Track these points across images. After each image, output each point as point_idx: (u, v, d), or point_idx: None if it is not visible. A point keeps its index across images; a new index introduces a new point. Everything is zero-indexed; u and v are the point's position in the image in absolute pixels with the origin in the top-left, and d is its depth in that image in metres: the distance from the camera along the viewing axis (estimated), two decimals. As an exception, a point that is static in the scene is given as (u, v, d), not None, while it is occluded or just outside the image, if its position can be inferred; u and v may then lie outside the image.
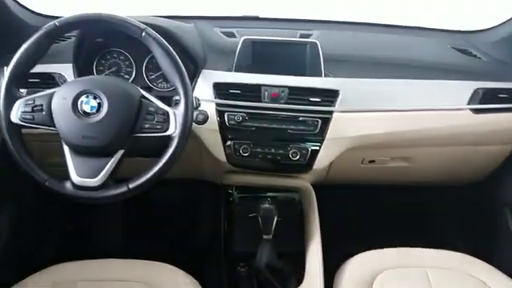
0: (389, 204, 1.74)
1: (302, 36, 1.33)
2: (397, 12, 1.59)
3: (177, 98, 0.95)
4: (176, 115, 0.90)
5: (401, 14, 1.58)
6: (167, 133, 0.89)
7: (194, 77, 1.15)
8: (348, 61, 1.26)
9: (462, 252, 1.11)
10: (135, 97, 0.91)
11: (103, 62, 1.22)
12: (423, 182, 1.48)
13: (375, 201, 1.73)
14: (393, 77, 1.19)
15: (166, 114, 0.89)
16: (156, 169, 0.89)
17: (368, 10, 1.61)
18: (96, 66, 1.21)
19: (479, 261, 1.09)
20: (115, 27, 0.93)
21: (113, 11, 0.95)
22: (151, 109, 0.90)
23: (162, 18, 1.19)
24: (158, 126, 0.89)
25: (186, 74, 0.92)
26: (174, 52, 0.92)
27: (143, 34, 0.91)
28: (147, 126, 0.89)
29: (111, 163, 0.88)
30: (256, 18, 1.51)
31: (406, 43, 1.41)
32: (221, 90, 1.13)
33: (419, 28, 1.52)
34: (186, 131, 0.90)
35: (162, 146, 0.91)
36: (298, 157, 1.12)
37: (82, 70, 1.16)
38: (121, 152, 0.89)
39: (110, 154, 0.88)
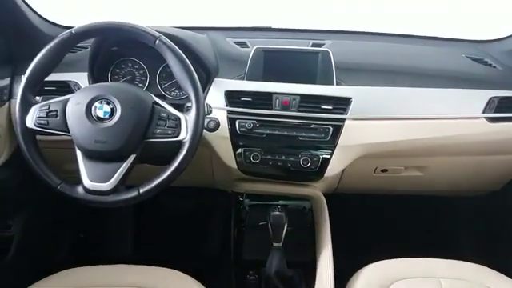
0: (401, 213, 1.71)
1: (314, 45, 1.33)
2: (410, 22, 1.59)
3: (189, 104, 0.96)
4: (187, 121, 0.90)
5: (414, 24, 1.57)
6: (178, 138, 0.90)
7: (206, 85, 1.17)
8: (360, 70, 1.25)
9: (477, 262, 1.08)
10: (148, 103, 0.92)
11: (118, 70, 1.24)
12: (437, 192, 1.45)
13: (387, 210, 1.70)
14: (406, 85, 1.18)
15: (178, 119, 0.90)
16: (167, 174, 0.90)
17: (380, 19, 1.61)
18: (111, 75, 1.24)
19: (494, 271, 1.05)
20: (129, 35, 0.95)
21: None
22: (163, 114, 0.91)
23: (176, 28, 1.21)
24: (170, 132, 0.90)
25: (198, 80, 0.93)
26: (186, 59, 0.93)
27: (157, 41, 0.93)
28: (159, 131, 0.90)
29: (123, 168, 0.89)
30: (268, 29, 1.52)
31: (420, 53, 1.39)
32: (232, 97, 1.14)
33: (433, 38, 1.51)
34: (197, 136, 0.90)
35: (173, 153, 0.92)
36: (308, 164, 1.11)
37: (96, 79, 1.18)
38: (132, 157, 0.90)
39: (122, 159, 0.89)
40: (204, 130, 1.08)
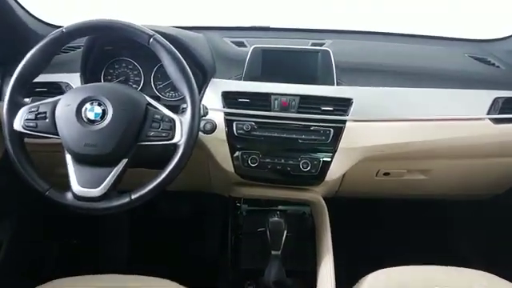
0: (404, 218, 1.67)
1: (313, 45, 1.29)
2: (410, 21, 1.56)
3: (184, 106, 0.93)
4: (182, 123, 0.87)
5: (415, 23, 1.54)
6: (173, 141, 0.86)
7: (202, 86, 1.13)
8: (361, 69, 1.22)
9: (482, 268, 1.05)
10: (141, 104, 0.89)
11: (111, 71, 1.21)
12: (441, 196, 1.42)
13: (390, 214, 1.67)
14: (408, 86, 1.15)
15: (172, 121, 0.87)
16: (160, 178, 0.86)
17: (381, 19, 1.58)
18: (104, 76, 1.20)
19: (502, 280, 1.02)
20: (123, 33, 0.92)
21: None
22: (157, 116, 0.87)
23: (171, 27, 1.18)
24: (164, 134, 0.86)
25: (193, 80, 0.90)
26: (181, 58, 0.90)
27: (151, 40, 0.90)
28: (152, 133, 0.86)
29: (114, 173, 0.85)
30: (266, 29, 1.48)
31: (422, 52, 1.36)
32: (229, 98, 1.10)
33: (434, 37, 1.48)
34: (193, 139, 0.86)
35: (167, 157, 0.88)
36: (308, 168, 1.08)
37: (89, 79, 1.15)
38: (124, 161, 0.86)
39: (113, 163, 0.85)
40: (200, 133, 1.05)
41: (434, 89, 1.15)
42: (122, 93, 0.89)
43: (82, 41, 1.11)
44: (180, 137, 0.86)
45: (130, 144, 0.86)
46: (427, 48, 1.40)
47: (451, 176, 1.28)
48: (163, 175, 0.85)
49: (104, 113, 0.86)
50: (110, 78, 1.20)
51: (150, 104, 0.89)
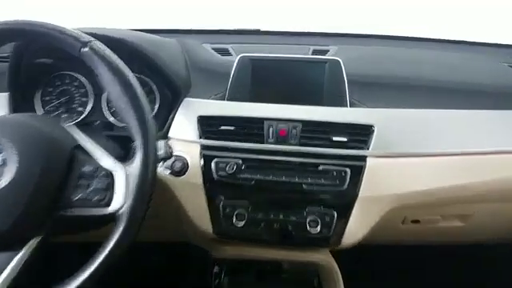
0: (434, 267, 1.39)
1: (315, 52, 1.09)
2: (436, 24, 1.34)
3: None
4: (127, 177, 0.57)
5: (441, 26, 1.33)
6: (109, 209, 0.56)
7: (171, 108, 0.89)
8: (381, 85, 0.98)
9: None
10: (64, 148, 0.61)
11: (50, 89, 0.95)
12: (479, 242, 1.15)
13: (416, 264, 1.38)
14: (442, 106, 0.92)
15: (110, 176, 0.57)
16: (91, 269, 0.55)
17: (399, 21, 1.35)
18: (41, 96, 0.94)
19: None
20: (45, 40, 0.66)
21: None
22: (87, 168, 0.58)
23: (130, 31, 0.96)
24: (96, 198, 0.56)
25: (145, 107, 0.63)
26: (128, 74, 0.63)
27: (83, 49, 0.63)
28: (79, 196, 0.57)
29: (18, 261, 0.55)
30: (256, 32, 1.30)
31: (452, 62, 1.13)
32: (208, 125, 0.86)
33: (464, 42, 1.27)
34: (142, 204, 0.57)
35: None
36: (318, 227, 0.79)
37: (21, 102, 0.89)
38: (35, 241, 0.56)
39: (17, 246, 0.56)
40: (166, 174, 0.80)
41: (476, 110, 0.92)
42: (33, 131, 0.61)
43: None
44: (122, 201, 0.56)
45: (44, 214, 0.56)
46: (458, 56, 1.18)
47: (495, 221, 1.02)
48: (95, 264, 0.55)
49: (3, 164, 0.56)
50: (48, 98, 0.95)
51: (78, 147, 0.61)
